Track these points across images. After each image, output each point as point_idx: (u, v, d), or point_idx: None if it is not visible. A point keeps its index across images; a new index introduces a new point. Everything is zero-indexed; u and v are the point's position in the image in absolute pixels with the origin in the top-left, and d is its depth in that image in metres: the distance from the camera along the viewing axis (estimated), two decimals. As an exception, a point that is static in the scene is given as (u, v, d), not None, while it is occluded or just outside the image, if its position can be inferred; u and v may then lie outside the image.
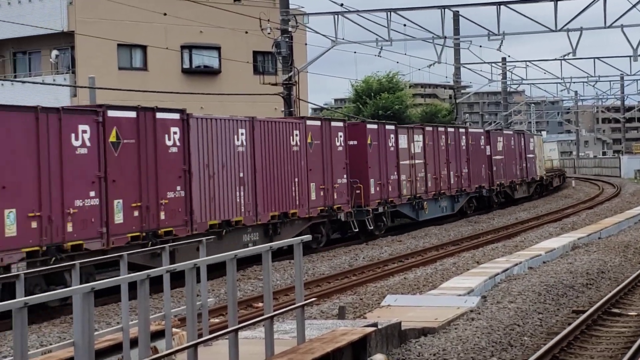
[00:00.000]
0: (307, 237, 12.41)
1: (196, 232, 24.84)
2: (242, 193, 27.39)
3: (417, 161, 40.27)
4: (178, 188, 24.60)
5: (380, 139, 37.00)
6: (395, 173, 38.03)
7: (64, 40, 47.53)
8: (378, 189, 36.29)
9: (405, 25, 42.06)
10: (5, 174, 19.58)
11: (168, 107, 25.60)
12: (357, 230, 34.34)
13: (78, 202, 21.22)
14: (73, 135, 21.33)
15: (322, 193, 32.08)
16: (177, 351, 9.78)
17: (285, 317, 16.18)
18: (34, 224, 20.03)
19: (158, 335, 12.05)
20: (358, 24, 41.26)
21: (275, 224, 29.17)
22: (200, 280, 11.41)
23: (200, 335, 10.63)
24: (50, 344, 16.70)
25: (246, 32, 48.74)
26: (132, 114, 23.37)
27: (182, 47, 50.70)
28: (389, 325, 14.89)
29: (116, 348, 12.16)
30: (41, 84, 40.96)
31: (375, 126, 37.30)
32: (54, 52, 47.04)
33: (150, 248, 16.17)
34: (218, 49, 51.93)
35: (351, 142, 34.68)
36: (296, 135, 30.63)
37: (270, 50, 40.26)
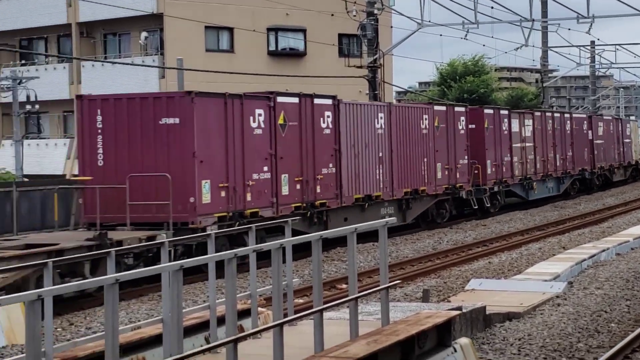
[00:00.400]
0: (392, 220, 12.40)
1: (344, 204, 28.15)
2: (380, 171, 30.35)
3: (527, 144, 42.72)
4: (330, 165, 27.69)
5: (496, 123, 39.53)
6: (509, 155, 40.57)
7: (153, 22, 48.08)
8: (494, 169, 38.95)
9: (492, 7, 41.81)
10: (203, 150, 22.90)
11: (323, 94, 28.22)
12: (476, 207, 37.04)
13: (255, 176, 24.62)
14: (251, 118, 24.66)
15: (446, 172, 34.80)
16: (263, 330, 9.86)
17: (369, 299, 16.21)
18: (223, 193, 23.41)
19: (243, 314, 12.20)
20: (444, 7, 40.94)
21: (407, 199, 32.05)
22: (286, 261, 11.50)
23: (285, 315, 10.72)
24: (139, 321, 17.00)
25: (332, 15, 48.75)
26: (295, 100, 26.46)
27: (269, 30, 50.91)
28: (474, 309, 14.82)
29: (203, 326, 12.35)
30: (130, 64, 41.55)
31: (491, 111, 39.75)
32: (143, 34, 47.62)
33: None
34: (304, 31, 52.01)
35: (471, 126, 37.10)
36: (425, 119, 33.49)
37: (356, 33, 40.18)
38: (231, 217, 23.45)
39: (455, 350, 11.83)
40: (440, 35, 53.54)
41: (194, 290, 20.62)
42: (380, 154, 30.25)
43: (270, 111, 25.20)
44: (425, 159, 33.07)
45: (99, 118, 23.25)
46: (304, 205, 26.28)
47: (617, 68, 76.42)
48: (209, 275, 10.87)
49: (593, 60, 74.10)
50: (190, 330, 11.61)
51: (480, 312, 15.12)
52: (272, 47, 51.49)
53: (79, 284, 7.78)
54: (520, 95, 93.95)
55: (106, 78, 47.77)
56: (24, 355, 9.30)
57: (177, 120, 22.76)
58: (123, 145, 23.07)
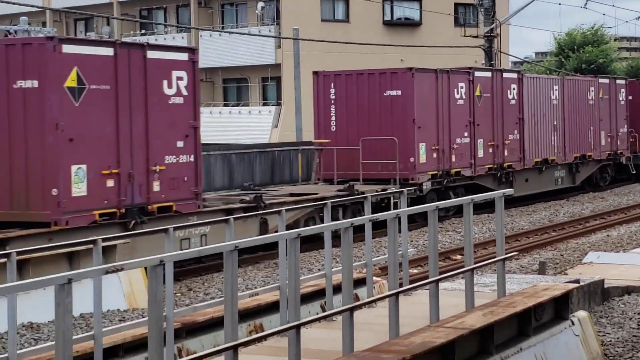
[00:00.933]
0: (510, 191, 12.29)
1: (526, 167, 32.37)
2: (555, 137, 34.53)
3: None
4: (515, 132, 31.85)
5: (652, 94, 43.47)
6: (664, 124, 44.85)
7: (269, -8, 48.37)
8: (650, 137, 43.16)
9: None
10: (420, 118, 27.16)
11: (510, 69, 32.85)
12: (634, 172, 40.16)
13: (458, 140, 28.81)
14: (455, 90, 28.81)
15: (609, 140, 38.41)
16: (379, 299, 9.91)
17: (484, 270, 16.11)
18: (434, 155, 27.73)
19: (358, 283, 12.26)
20: (564, -26, 40.11)
21: (577, 163, 36.03)
22: (401, 231, 11.50)
23: (400, 285, 10.73)
24: (256, 287, 17.26)
25: (448, -16, 48.24)
26: (488, 74, 30.86)
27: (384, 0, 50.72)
28: (592, 282, 14.61)
29: (318, 294, 12.48)
30: (247, 34, 41.89)
31: None
32: (260, 4, 47.94)
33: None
34: (419, 0, 51.62)
35: (629, 97, 40.56)
36: (592, 91, 37.23)
37: (472, 2, 39.73)
38: (440, 175, 27.84)
39: (573, 324, 11.68)
40: (559, 4, 52.38)
41: (309, 259, 20.81)
42: (555, 122, 34.53)
43: (469, 84, 29.43)
44: (591, 127, 37.11)
45: (332, 91, 27.84)
46: (495, 166, 30.59)
47: None
48: (325, 244, 10.94)
49: None
50: (306, 298, 11.74)
51: (599, 286, 14.89)
52: (388, 17, 51.23)
53: (199, 250, 7.92)
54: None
55: (223, 47, 48.30)
56: (145, 319, 9.55)
57: (399, 92, 27.20)
58: (352, 113, 27.54)
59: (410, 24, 51.77)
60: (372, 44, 41.04)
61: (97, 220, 17.32)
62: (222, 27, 50.18)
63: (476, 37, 39.29)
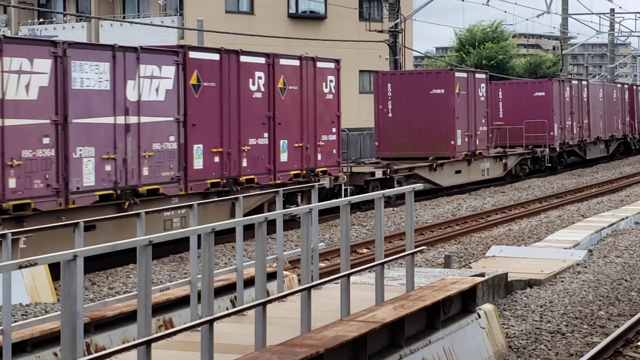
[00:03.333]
0: (419, 186, 12.42)
1: None
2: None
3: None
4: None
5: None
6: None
7: (172, -18, 47.93)
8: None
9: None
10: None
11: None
12: None
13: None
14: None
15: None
16: (292, 293, 9.92)
17: (391, 264, 16.26)
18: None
19: (268, 277, 12.24)
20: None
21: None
22: (312, 224, 11.52)
23: (311, 279, 10.75)
24: (162, 282, 17.11)
25: (352, -22, 48.45)
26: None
27: (288, -8, 50.70)
28: (496, 275, 14.88)
29: (228, 288, 12.44)
30: (149, 25, 41.45)
31: None
32: (163, -6, 47.49)
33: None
34: (324, -6, 51.78)
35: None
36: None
37: (377, -3, 39.96)
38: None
39: (479, 317, 11.88)
40: (462, 0, 53.02)
41: (216, 253, 20.73)
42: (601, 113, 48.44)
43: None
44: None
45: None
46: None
47: (637, 36, 75.83)
48: (236, 239, 10.91)
49: (612, 28, 73.57)
50: (216, 292, 11.68)
51: (502, 279, 15.18)
52: (293, 10, 51.24)
53: (114, 244, 7.81)
54: (538, 62, 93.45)
55: (124, 38, 47.66)
56: (56, 313, 9.39)
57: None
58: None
59: (315, 18, 51.88)
60: (276, 37, 41.01)
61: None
62: (124, 17, 49.55)
63: (381, 32, 39.59)
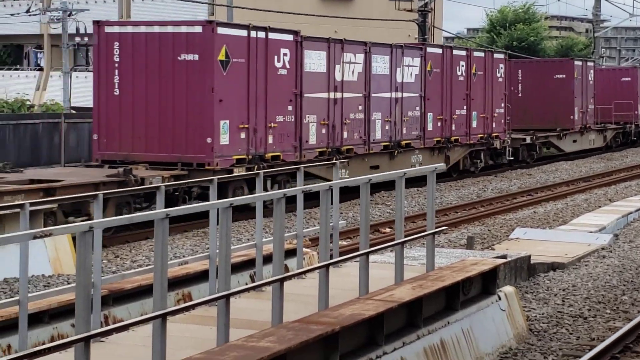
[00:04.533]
0: (441, 165, 12.33)
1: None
2: None
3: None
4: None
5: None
6: None
7: (203, -42, 47.83)
8: None
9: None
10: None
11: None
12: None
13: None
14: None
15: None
16: (309, 270, 9.89)
17: (413, 244, 16.19)
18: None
19: (288, 253, 12.22)
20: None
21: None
22: (333, 202, 11.47)
23: (330, 257, 10.71)
24: (184, 256, 17.14)
25: (383, -44, 48.15)
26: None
27: (319, -30, 50.47)
28: (518, 258, 14.79)
29: (247, 264, 12.43)
30: (181, 0, 41.43)
31: None
32: (193, -30, 47.40)
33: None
34: (354, -28, 51.53)
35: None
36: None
37: (408, -24, 39.72)
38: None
39: (500, 299, 11.79)
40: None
41: (238, 228, 20.72)
42: None
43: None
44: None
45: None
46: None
47: (672, 20, 75.09)
48: (256, 214, 10.88)
49: (647, 11, 72.91)
50: (235, 268, 11.69)
51: (525, 261, 15.08)
52: (323, -12, 51.02)
53: (130, 217, 7.80)
54: (570, 45, 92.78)
55: (156, 12, 47.72)
56: (72, 285, 9.40)
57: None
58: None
59: (344, -4, 51.61)
60: (305, 14, 40.88)
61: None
62: (155, -8, 49.55)
63: (410, 11, 39.34)
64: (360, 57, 26.85)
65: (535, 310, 13.38)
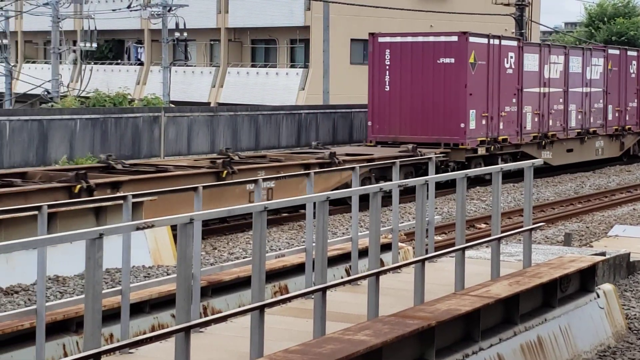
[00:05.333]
0: (539, 161, 12.22)
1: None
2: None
3: None
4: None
5: None
6: None
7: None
8: None
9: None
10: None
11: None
12: None
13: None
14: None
15: None
16: (405, 265, 9.92)
17: (509, 240, 16.07)
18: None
19: (383, 248, 12.26)
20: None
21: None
22: (428, 197, 11.47)
23: (425, 252, 10.72)
24: (280, 249, 17.31)
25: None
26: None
27: (415, -36, 50.33)
28: (617, 255, 14.56)
29: (343, 257, 12.50)
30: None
31: None
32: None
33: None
34: (451, -34, 51.27)
35: None
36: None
37: (505, -31, 39.36)
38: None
39: (598, 296, 11.65)
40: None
41: (334, 222, 20.82)
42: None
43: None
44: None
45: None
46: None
47: None
48: (352, 208, 10.94)
49: None
50: (331, 261, 11.76)
51: (624, 259, 14.84)
52: (419, -18, 50.84)
53: (229, 209, 7.93)
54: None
55: (253, 7, 48.16)
56: (172, 276, 9.59)
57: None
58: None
59: (441, -10, 51.33)
60: (401, 9, 40.81)
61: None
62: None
63: (507, 5, 38.96)
64: (561, 58, 32.68)
65: (634, 308, 13.15)
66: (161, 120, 25.46)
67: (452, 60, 27.60)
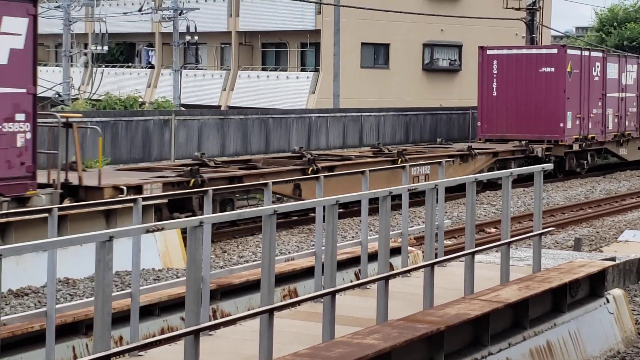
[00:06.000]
0: (549, 166, 12.22)
1: None
2: None
3: None
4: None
5: None
6: None
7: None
8: None
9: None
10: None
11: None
12: None
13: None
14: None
15: None
16: (414, 269, 9.92)
17: (518, 244, 16.06)
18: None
19: (392, 252, 12.26)
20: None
21: None
22: (438, 201, 11.46)
23: (435, 256, 10.72)
24: (289, 252, 17.32)
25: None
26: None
27: (426, -32, 50.33)
28: (628, 260, 14.54)
29: (352, 261, 12.51)
30: None
31: None
32: (301, -31, 47.68)
33: None
34: (462, -30, 51.27)
35: None
36: None
37: (516, -26, 39.36)
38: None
39: (608, 301, 11.63)
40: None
41: (343, 226, 20.83)
42: None
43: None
44: None
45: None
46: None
47: None
48: (362, 212, 10.95)
49: None
50: (340, 265, 11.78)
51: (634, 264, 14.82)
52: (429, -14, 50.82)
53: (239, 212, 7.95)
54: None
55: (263, 11, 48.20)
56: (181, 279, 9.61)
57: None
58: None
59: (452, -6, 51.31)
60: (412, 13, 40.80)
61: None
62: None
63: (518, 9, 38.93)
64: (634, 67, 37.61)
65: (644, 314, 13.13)
66: (172, 124, 25.50)
67: (552, 69, 32.52)
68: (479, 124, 33.67)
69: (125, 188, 16.71)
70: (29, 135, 15.07)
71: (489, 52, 33.51)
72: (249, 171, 20.70)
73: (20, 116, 15.03)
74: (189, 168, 19.65)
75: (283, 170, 21.38)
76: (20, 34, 15.05)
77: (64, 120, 16.56)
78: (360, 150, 29.17)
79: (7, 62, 14.87)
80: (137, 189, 17.13)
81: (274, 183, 9.87)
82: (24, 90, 15.08)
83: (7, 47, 14.92)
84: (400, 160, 24.48)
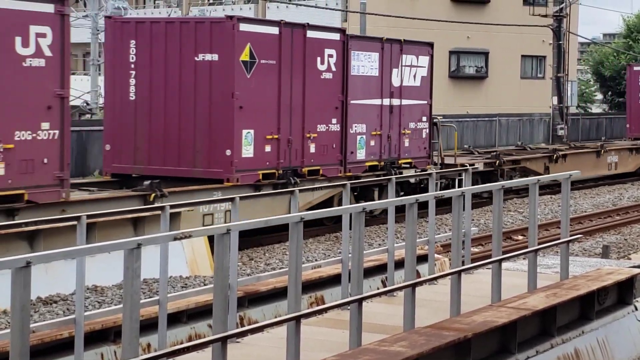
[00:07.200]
0: (577, 172, 12.17)
1: None
2: None
3: None
4: None
5: None
6: None
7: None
8: None
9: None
10: None
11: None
12: None
13: None
14: None
15: None
16: (441, 276, 9.91)
17: (546, 252, 16.00)
18: None
19: (419, 259, 12.25)
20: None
21: None
22: (465, 209, 11.45)
23: (462, 263, 10.70)
24: (316, 260, 17.34)
25: (518, -39, 47.64)
26: None
27: (453, -24, 50.26)
28: (656, 268, 14.43)
29: (379, 269, 12.51)
30: (314, 7, 41.83)
31: None
32: (327, -23, 47.72)
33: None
34: (488, -23, 51.18)
35: None
36: None
37: (543, -20, 39.23)
38: None
39: (637, 309, 11.56)
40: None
41: (369, 234, 20.83)
42: None
43: None
44: None
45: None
46: None
47: None
48: (388, 219, 10.95)
49: None
50: (367, 272, 11.77)
51: (663, 272, 14.71)
52: (456, -7, 50.74)
53: (266, 220, 7.96)
54: None
55: (291, 19, 48.23)
56: (209, 286, 9.65)
57: None
58: None
59: (478, 1, 51.22)
60: (438, 20, 40.76)
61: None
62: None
63: (545, 16, 38.82)
64: None
65: (673, 321, 13.04)
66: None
67: None
68: (627, 125, 39.93)
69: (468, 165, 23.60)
70: (425, 133, 24.89)
71: (635, 68, 39.48)
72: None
73: (424, 119, 24.56)
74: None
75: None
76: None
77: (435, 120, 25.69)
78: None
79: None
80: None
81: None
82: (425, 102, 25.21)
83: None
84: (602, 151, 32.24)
